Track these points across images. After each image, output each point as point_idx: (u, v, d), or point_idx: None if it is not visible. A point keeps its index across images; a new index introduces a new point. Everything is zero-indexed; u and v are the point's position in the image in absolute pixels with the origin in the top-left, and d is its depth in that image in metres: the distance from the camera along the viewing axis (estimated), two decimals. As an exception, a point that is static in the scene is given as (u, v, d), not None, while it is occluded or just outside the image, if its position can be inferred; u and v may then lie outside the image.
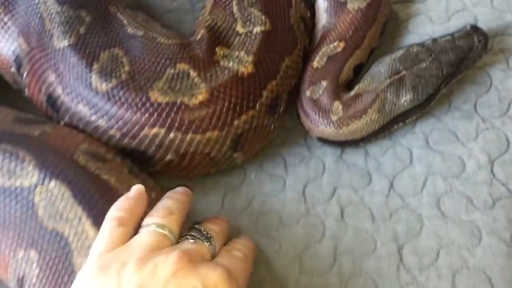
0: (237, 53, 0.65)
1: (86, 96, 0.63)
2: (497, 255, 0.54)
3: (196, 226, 0.53)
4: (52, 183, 0.54)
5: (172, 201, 0.54)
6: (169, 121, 0.61)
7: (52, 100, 0.66)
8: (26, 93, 0.69)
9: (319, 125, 0.66)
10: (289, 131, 0.70)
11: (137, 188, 0.54)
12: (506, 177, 0.59)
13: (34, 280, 0.51)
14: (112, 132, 0.63)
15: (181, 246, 0.49)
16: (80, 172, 0.56)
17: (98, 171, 0.57)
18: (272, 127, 0.67)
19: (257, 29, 0.67)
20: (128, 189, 0.55)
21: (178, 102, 0.62)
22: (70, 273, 0.50)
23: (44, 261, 0.51)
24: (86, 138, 0.62)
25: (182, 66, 0.64)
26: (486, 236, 0.55)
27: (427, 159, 0.63)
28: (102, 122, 0.63)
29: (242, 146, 0.65)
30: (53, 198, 0.53)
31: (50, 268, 0.51)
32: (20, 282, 0.52)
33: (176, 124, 0.62)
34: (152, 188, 0.59)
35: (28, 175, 0.55)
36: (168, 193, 0.56)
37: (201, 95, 0.62)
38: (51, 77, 0.65)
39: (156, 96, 0.62)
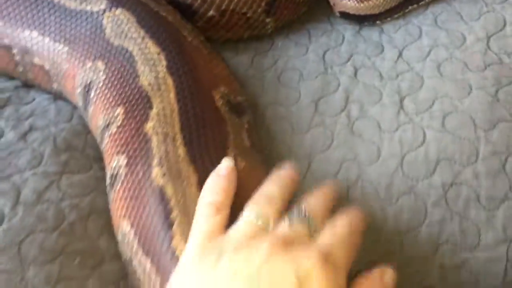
0: None
1: None
2: (482, 103, 0.64)
3: (296, 206, 0.52)
4: (119, 10, 0.64)
5: (276, 187, 0.53)
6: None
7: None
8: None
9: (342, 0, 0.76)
10: (314, 10, 0.80)
11: (227, 165, 0.54)
12: (498, 49, 0.68)
13: (100, 84, 0.61)
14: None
15: (276, 231, 0.49)
16: (142, 5, 0.66)
17: (157, 8, 0.67)
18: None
19: None
20: (184, 27, 0.65)
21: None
22: (134, 77, 0.60)
23: (110, 70, 0.61)
24: None
25: None
26: (476, 90, 0.65)
27: (433, 34, 0.73)
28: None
29: (274, 12, 0.75)
30: (119, 22, 0.64)
31: (116, 75, 0.61)
32: (87, 87, 0.63)
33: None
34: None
35: (98, 2, 0.65)
36: (274, 177, 0.54)
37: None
38: None
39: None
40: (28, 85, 0.70)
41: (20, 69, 0.68)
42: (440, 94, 0.66)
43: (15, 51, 0.67)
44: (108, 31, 0.64)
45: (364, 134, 0.65)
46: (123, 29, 0.63)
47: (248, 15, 0.74)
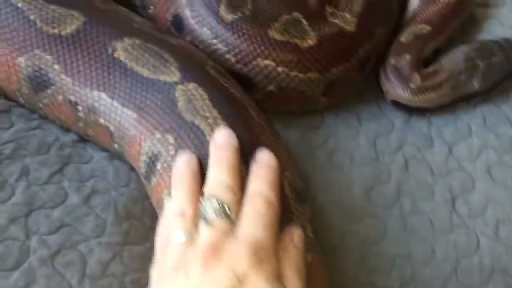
0: (343, 13, 0.76)
1: (211, 22, 0.73)
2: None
3: (207, 198, 0.52)
4: (192, 85, 0.64)
5: (183, 198, 0.54)
6: (281, 56, 0.72)
7: (177, 20, 0.76)
8: (151, 11, 0.79)
9: (397, 90, 0.78)
10: (362, 91, 0.81)
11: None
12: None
13: (169, 158, 0.61)
14: (228, 56, 0.73)
15: (200, 240, 0.50)
16: (213, 81, 0.66)
17: (226, 84, 0.68)
18: (357, 82, 0.79)
19: None
20: (250, 105, 0.66)
21: (291, 42, 0.73)
22: (205, 158, 0.58)
23: (180, 145, 0.61)
24: (208, 57, 0.73)
25: (296, 15, 0.75)
26: (527, 201, 0.68)
27: (483, 134, 0.75)
28: (221, 47, 0.73)
29: (330, 92, 0.76)
30: (192, 97, 0.64)
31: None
32: (154, 158, 0.62)
33: (286, 60, 0.73)
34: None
35: (171, 73, 0.65)
36: (175, 182, 0.57)
37: (310, 40, 0.73)
38: (182, 0, 0.75)
39: (273, 33, 0.73)
40: (83, 139, 0.70)
41: (81, 124, 0.68)
42: (492, 200, 0.68)
43: (80, 108, 0.66)
44: (180, 105, 0.64)
45: (418, 231, 0.67)
46: (195, 106, 0.64)
47: (306, 93, 0.75)
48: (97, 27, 0.67)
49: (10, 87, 0.69)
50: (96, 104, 0.66)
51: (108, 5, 0.72)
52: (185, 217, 0.51)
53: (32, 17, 0.66)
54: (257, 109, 0.70)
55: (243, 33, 0.73)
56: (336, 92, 0.77)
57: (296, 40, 0.73)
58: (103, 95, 0.65)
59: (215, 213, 0.50)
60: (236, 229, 0.50)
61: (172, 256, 0.50)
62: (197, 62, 0.69)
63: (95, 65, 0.65)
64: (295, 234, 0.53)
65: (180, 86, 0.65)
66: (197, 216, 0.51)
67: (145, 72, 0.65)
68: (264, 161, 0.56)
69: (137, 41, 0.67)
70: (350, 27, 0.75)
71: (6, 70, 0.68)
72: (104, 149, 0.69)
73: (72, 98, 0.66)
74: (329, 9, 0.77)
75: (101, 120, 0.66)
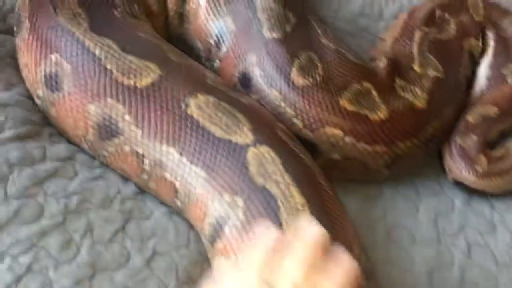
0: (413, 87, 0.75)
1: (282, 84, 0.73)
2: None
3: None
4: (264, 148, 0.63)
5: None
6: (350, 127, 0.71)
7: (245, 77, 0.75)
8: (217, 64, 0.78)
9: (462, 170, 0.76)
10: (424, 165, 0.80)
11: None
12: None
13: (238, 223, 0.59)
14: (295, 120, 0.72)
15: None
16: (284, 145, 0.65)
17: (295, 149, 0.66)
18: (422, 158, 0.77)
19: (432, 73, 0.77)
20: (318, 172, 0.65)
21: (362, 114, 0.72)
22: (277, 224, 0.58)
23: (250, 210, 0.59)
24: (276, 118, 0.72)
25: (366, 85, 0.74)
26: None
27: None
28: (289, 110, 0.72)
29: (394, 165, 0.75)
30: (264, 160, 0.62)
31: (255, 217, 0.59)
32: (221, 221, 0.61)
33: (355, 131, 0.71)
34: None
35: (243, 134, 0.64)
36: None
37: (381, 113, 0.72)
38: (252, 59, 0.75)
39: (344, 103, 0.72)
40: (143, 190, 0.68)
41: (144, 176, 0.66)
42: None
43: (147, 161, 0.65)
44: (251, 168, 0.62)
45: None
46: (267, 169, 0.62)
47: (369, 165, 0.74)
48: (172, 82, 0.66)
49: (76, 132, 0.68)
50: (164, 159, 0.64)
51: (180, 58, 0.71)
52: None
53: (108, 66, 0.65)
54: (323, 176, 0.68)
55: (314, 99, 0.72)
56: (399, 166, 0.76)
57: (367, 112, 0.72)
58: (172, 150, 0.64)
59: None
60: None
61: None
62: (269, 124, 0.68)
63: (167, 119, 0.64)
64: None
65: (252, 148, 0.63)
66: None
67: (217, 131, 0.64)
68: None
69: (211, 99, 0.66)
70: (421, 104, 0.74)
71: (74, 116, 0.67)
72: (163, 203, 0.67)
73: (140, 150, 0.65)
74: (399, 81, 0.76)
75: (167, 175, 0.65)
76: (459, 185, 0.77)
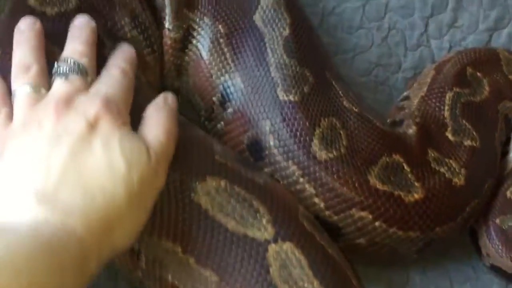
0: (448, 160, 0.66)
1: (301, 157, 0.62)
2: None
3: (63, 59, 0.52)
4: (287, 246, 0.52)
5: (25, 50, 0.52)
6: (381, 210, 0.61)
7: (256, 146, 0.64)
8: (221, 127, 0.67)
9: (502, 255, 0.66)
10: (453, 248, 0.70)
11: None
12: None
13: None
14: (316, 200, 0.62)
15: (53, 92, 0.49)
16: (311, 239, 0.54)
17: (322, 242, 0.56)
18: (455, 239, 0.67)
19: (468, 142, 0.67)
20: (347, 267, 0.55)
21: (395, 194, 0.61)
22: None
23: None
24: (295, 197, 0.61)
25: (396, 157, 0.64)
26: None
27: None
28: (310, 188, 0.62)
29: (425, 249, 0.65)
30: (288, 262, 0.51)
31: None
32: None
33: (387, 215, 0.61)
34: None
35: (262, 228, 0.53)
36: (17, 39, 0.53)
37: (416, 194, 0.62)
38: (265, 125, 0.64)
39: (374, 181, 0.61)
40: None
41: (140, 274, 0.55)
42: None
43: (143, 257, 0.54)
44: (272, 270, 0.51)
45: None
46: (291, 273, 0.51)
47: (399, 250, 0.64)
48: (174, 162, 0.54)
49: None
50: (165, 258, 0.53)
51: (183, 129, 0.57)
52: (30, 72, 0.50)
53: None
54: (352, 270, 0.58)
55: (339, 177, 0.61)
56: (430, 250, 0.66)
57: (400, 192, 0.62)
58: (176, 248, 0.53)
59: (71, 70, 0.50)
60: (90, 88, 0.50)
61: (19, 113, 0.49)
62: (290, 211, 0.57)
63: (168, 210, 0.53)
64: (170, 97, 0.55)
65: (272, 246, 0.52)
66: (44, 74, 0.51)
67: (230, 224, 0.53)
68: (122, 48, 0.56)
69: (222, 183, 0.54)
70: (459, 180, 0.64)
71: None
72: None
73: (136, 246, 0.54)
74: (432, 153, 0.66)
75: (169, 276, 0.53)
76: (497, 271, 0.68)
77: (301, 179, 0.62)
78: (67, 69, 0.50)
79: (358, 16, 0.80)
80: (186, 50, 0.69)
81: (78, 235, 0.44)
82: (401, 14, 0.80)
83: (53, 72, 0.51)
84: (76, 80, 0.50)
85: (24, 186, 0.45)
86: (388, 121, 0.72)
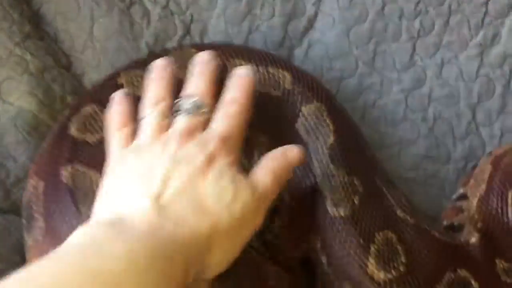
0: (518, 271, 0.60)
1: (357, 279, 0.57)
2: None
3: (186, 96, 0.55)
4: None
5: (158, 87, 0.56)
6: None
7: (309, 263, 0.60)
8: (272, 238, 0.63)
9: None
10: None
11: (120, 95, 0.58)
12: None
13: None
14: (376, 327, 0.56)
15: (178, 124, 0.53)
16: None
17: None
18: None
19: None
20: None
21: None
22: None
23: None
24: None
25: (462, 272, 0.59)
26: None
27: None
28: (368, 312, 0.57)
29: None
30: None
31: None
32: None
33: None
34: None
35: None
36: (150, 80, 0.57)
37: (490, 319, 0.56)
38: (315, 242, 0.60)
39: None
40: None
41: None
42: None
43: None
44: None
45: None
46: None
47: None
48: None
49: None
50: None
51: None
52: (161, 104, 0.54)
53: None
54: None
55: (401, 301, 0.56)
56: None
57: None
58: None
59: (194, 107, 0.54)
60: (209, 125, 0.53)
61: (147, 131, 0.53)
62: None
63: None
64: (295, 150, 0.56)
65: None
66: (171, 110, 0.54)
67: None
68: (240, 73, 0.57)
69: None
70: None
71: None
72: None
73: None
74: (500, 263, 0.60)
75: None
76: None
77: (358, 301, 0.57)
78: (191, 106, 0.54)
79: (401, 108, 0.76)
80: None
81: (185, 247, 0.46)
82: (446, 103, 0.76)
83: (177, 107, 0.54)
84: (198, 116, 0.53)
85: (143, 188, 0.49)
86: (444, 222, 0.67)
